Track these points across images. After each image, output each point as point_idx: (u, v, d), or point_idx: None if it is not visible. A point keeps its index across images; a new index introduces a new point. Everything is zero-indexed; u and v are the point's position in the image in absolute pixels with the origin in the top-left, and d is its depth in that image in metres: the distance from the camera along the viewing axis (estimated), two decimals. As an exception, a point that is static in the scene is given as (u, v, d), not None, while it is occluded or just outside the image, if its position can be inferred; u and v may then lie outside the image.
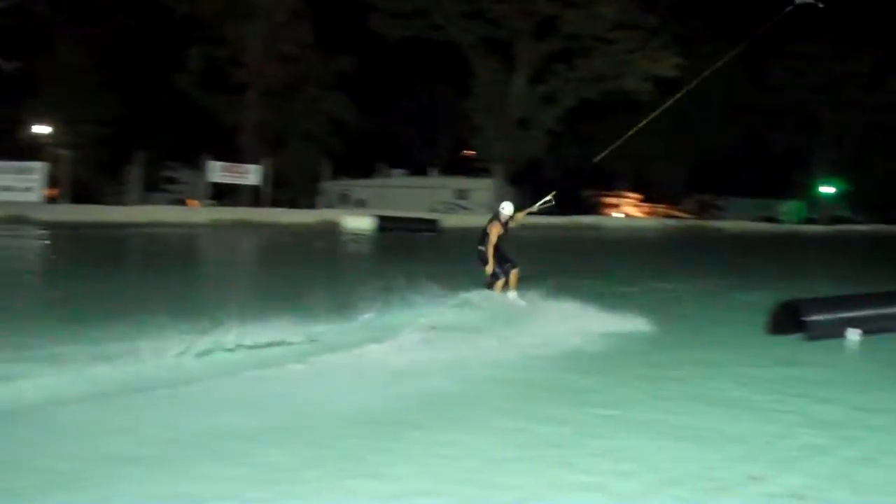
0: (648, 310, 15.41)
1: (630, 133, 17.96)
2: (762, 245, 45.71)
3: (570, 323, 13.62)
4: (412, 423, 8.22)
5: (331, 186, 62.37)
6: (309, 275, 21.24)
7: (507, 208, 15.47)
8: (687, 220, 65.00)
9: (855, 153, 73.48)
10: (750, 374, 11.48)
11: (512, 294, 15.12)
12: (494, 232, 15.13)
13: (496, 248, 15.16)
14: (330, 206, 58.07)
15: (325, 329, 12.07)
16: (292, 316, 11.90)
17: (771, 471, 7.34)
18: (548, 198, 17.34)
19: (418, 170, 64.92)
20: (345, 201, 60.45)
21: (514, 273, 15.23)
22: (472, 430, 8.07)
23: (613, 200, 76.38)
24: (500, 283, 15.13)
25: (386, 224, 41.74)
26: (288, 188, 59.11)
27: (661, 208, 75.77)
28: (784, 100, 71.67)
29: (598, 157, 19.26)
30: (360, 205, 57.80)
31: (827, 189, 74.78)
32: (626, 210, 75.74)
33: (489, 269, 15.03)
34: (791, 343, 13.95)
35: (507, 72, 56.19)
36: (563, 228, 49.95)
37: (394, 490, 6.45)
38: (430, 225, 43.05)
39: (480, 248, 15.21)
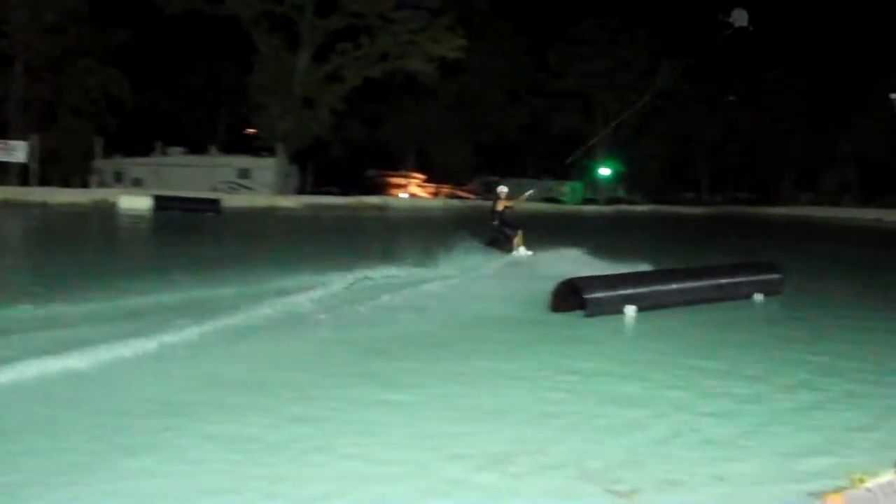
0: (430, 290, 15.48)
1: (613, 125, 19.93)
2: (546, 224, 46.60)
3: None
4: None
5: (105, 164, 59.58)
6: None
7: (503, 189, 20.90)
8: (471, 201, 65.77)
9: (631, 137, 76.25)
10: (532, 350, 11.55)
11: (521, 248, 19.90)
12: (504, 204, 20.18)
13: (503, 217, 20.21)
14: (104, 184, 55.55)
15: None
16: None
17: (552, 443, 7.53)
18: (531, 191, 25.58)
19: (198, 148, 62.82)
20: (120, 180, 57.89)
21: (520, 234, 20.09)
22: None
23: (399, 181, 76.35)
24: (516, 239, 20.02)
25: (164, 204, 40.17)
26: (59, 166, 56.17)
27: (445, 189, 76.39)
28: (564, 83, 73.49)
29: (570, 159, 24.38)
30: (136, 184, 55.55)
31: (604, 171, 77.34)
32: (411, 190, 75.93)
33: (518, 239, 20.11)
34: (572, 319, 14.10)
35: (290, 49, 55.05)
36: (349, 208, 49.57)
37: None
38: (211, 205, 41.69)
39: (494, 223, 20.30)
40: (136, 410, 7.91)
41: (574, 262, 18.55)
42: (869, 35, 70.44)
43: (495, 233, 20.59)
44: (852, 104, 74.07)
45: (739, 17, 18.99)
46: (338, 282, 16.01)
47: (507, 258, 19.78)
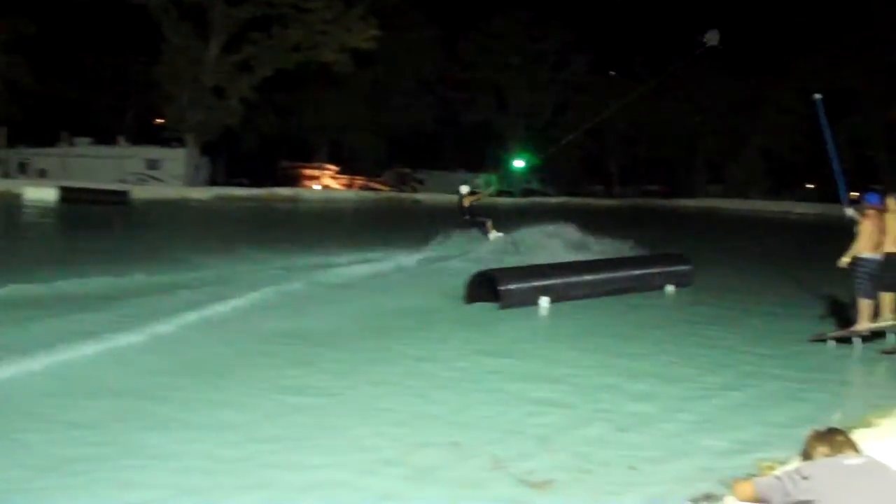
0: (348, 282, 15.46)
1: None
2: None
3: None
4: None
5: (9, 155, 57.90)
6: None
7: (464, 188, 23.62)
8: (385, 193, 65.55)
9: (544, 129, 76.58)
10: (446, 343, 11.57)
11: (494, 232, 22.43)
12: (469, 200, 22.91)
13: (472, 210, 22.88)
14: (8, 176, 54.05)
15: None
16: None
17: (467, 436, 7.59)
18: (492, 188, 30.57)
19: (106, 138, 61.38)
20: (25, 171, 56.34)
21: (490, 222, 22.71)
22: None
23: (311, 172, 75.62)
24: (489, 225, 22.59)
25: (70, 196, 39.13)
26: (-40, 156, 54.59)
27: (359, 180, 76.01)
28: (478, 75, 73.55)
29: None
30: (41, 175, 54.11)
31: (519, 163, 77.43)
32: (325, 182, 75.31)
33: (489, 225, 22.66)
34: (486, 311, 14.12)
35: (200, 38, 54.13)
36: (261, 200, 49.02)
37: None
38: (119, 196, 40.80)
39: (466, 217, 22.82)
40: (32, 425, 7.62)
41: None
42: (776, 31, 71.88)
43: (469, 225, 23.00)
44: (760, 99, 75.47)
45: (712, 38, 20.33)
46: (251, 275, 15.88)
47: (489, 242, 22.11)
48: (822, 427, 4.25)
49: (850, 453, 4.04)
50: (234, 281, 15.20)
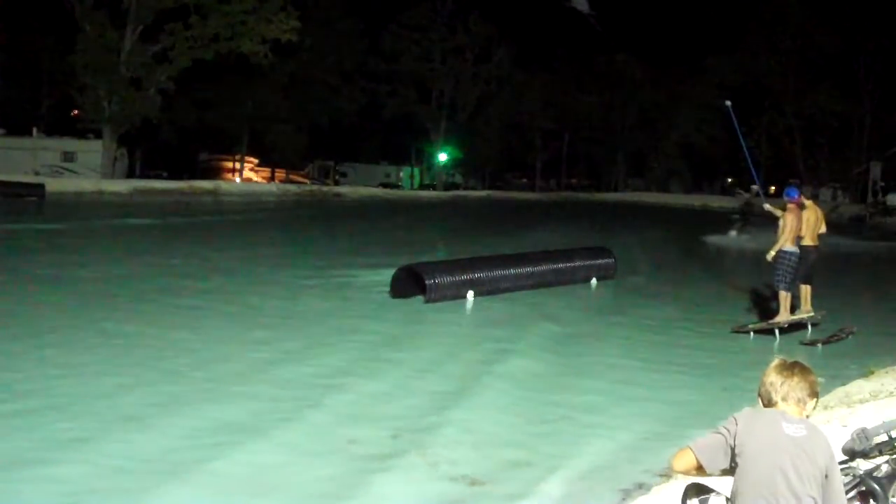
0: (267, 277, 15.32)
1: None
2: (383, 210, 46.43)
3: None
4: None
5: (-83, 146, 56.19)
6: None
7: None
8: (307, 186, 65.10)
9: (467, 122, 76.62)
10: (367, 338, 11.59)
11: None
12: None
13: None
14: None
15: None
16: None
17: (366, 432, 7.55)
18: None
19: (20, 129, 59.85)
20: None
21: None
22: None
23: (232, 164, 74.78)
24: None
25: (-16, 188, 38.11)
26: None
27: (280, 173, 75.42)
28: (399, 67, 73.26)
29: None
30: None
31: (441, 156, 77.48)
32: (246, 174, 74.52)
33: None
34: (412, 305, 14.09)
35: (117, 28, 53.00)
36: (180, 193, 48.34)
37: None
38: (34, 190, 39.83)
39: None
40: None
41: None
42: (692, 26, 72.98)
43: None
44: (678, 95, 76.48)
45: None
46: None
47: None
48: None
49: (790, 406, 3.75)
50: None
